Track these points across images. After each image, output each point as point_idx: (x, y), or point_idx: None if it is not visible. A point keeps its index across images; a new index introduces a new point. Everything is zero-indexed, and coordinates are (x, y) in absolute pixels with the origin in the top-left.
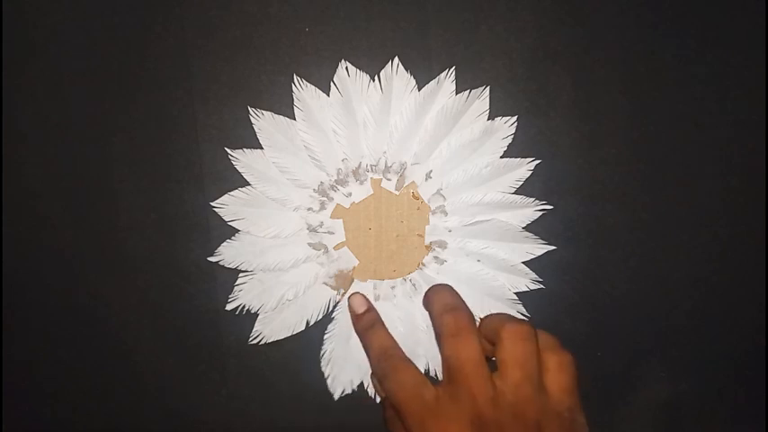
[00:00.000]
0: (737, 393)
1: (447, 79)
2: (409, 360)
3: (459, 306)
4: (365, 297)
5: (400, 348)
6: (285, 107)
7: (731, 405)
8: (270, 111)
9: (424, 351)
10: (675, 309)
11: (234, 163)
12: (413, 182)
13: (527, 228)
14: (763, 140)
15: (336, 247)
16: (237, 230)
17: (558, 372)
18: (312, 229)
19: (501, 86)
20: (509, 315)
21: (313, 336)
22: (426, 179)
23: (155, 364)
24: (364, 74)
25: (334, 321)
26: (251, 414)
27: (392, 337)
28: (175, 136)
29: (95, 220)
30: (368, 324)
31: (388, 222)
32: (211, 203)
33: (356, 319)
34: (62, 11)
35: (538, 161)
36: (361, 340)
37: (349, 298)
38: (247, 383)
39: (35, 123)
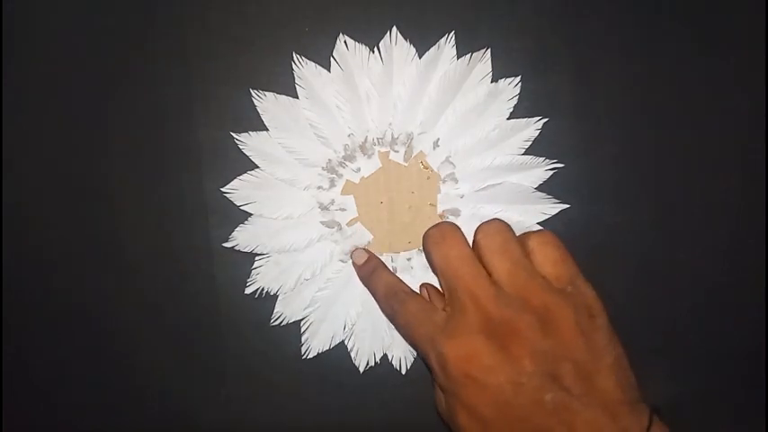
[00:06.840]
0: (737, 393)
1: (447, 44)
2: (415, 292)
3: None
4: (365, 249)
5: (405, 284)
6: None
7: (731, 405)
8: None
9: None
10: (675, 309)
11: (240, 147)
12: (421, 151)
13: (539, 188)
14: (764, 140)
15: (349, 224)
16: (236, 228)
17: (542, 248)
18: (324, 208)
19: (502, 50)
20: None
21: None
22: (434, 147)
23: (154, 365)
24: (364, 46)
25: None
26: (250, 415)
27: (396, 277)
28: (175, 136)
29: (95, 220)
30: (370, 270)
31: (400, 194)
32: (222, 189)
33: (359, 270)
34: (62, 11)
35: (545, 119)
36: (367, 288)
37: (351, 254)
38: (247, 384)
39: (35, 123)
